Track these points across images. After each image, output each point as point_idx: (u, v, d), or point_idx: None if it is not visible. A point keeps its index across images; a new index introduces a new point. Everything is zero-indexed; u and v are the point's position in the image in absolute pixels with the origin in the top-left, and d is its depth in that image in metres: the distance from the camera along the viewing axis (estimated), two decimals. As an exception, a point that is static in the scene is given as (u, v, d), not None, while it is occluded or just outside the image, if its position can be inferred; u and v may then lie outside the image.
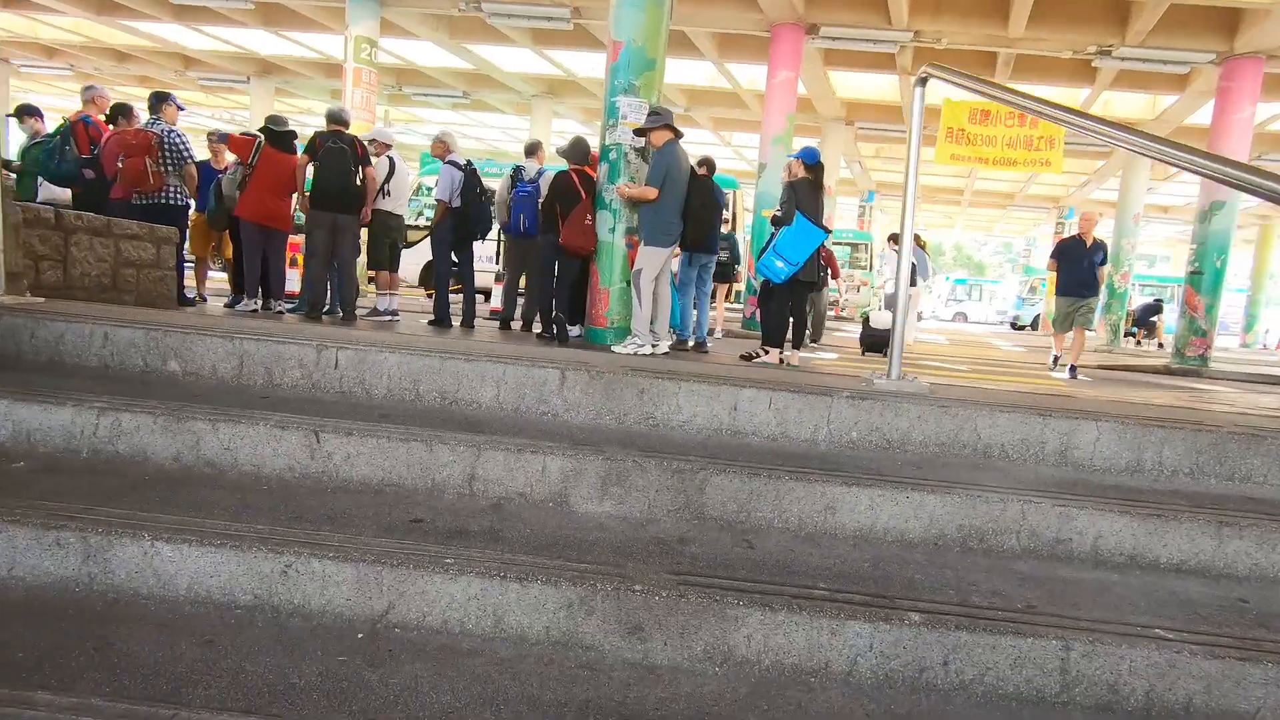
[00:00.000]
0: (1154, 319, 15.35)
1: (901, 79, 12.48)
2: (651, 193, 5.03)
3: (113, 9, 12.55)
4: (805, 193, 5.66)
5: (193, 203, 6.92)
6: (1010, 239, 39.05)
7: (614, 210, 5.62)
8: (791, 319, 5.90)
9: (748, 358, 6.41)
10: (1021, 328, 27.67)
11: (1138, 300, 17.19)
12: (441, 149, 6.49)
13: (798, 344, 5.96)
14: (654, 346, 5.29)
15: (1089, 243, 8.01)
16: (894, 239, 12.39)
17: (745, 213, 13.35)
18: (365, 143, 6.61)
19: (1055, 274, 8.30)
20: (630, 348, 5.08)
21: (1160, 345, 15.34)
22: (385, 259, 6.52)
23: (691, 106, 15.45)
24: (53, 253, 3.86)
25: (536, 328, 6.26)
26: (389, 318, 6.59)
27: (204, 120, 22.25)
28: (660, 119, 5.08)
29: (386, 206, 6.40)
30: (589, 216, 5.62)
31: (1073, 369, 7.90)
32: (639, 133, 5.29)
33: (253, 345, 2.53)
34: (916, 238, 12.40)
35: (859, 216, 23.53)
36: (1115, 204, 23.32)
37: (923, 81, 2.73)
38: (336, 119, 6.04)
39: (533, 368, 2.57)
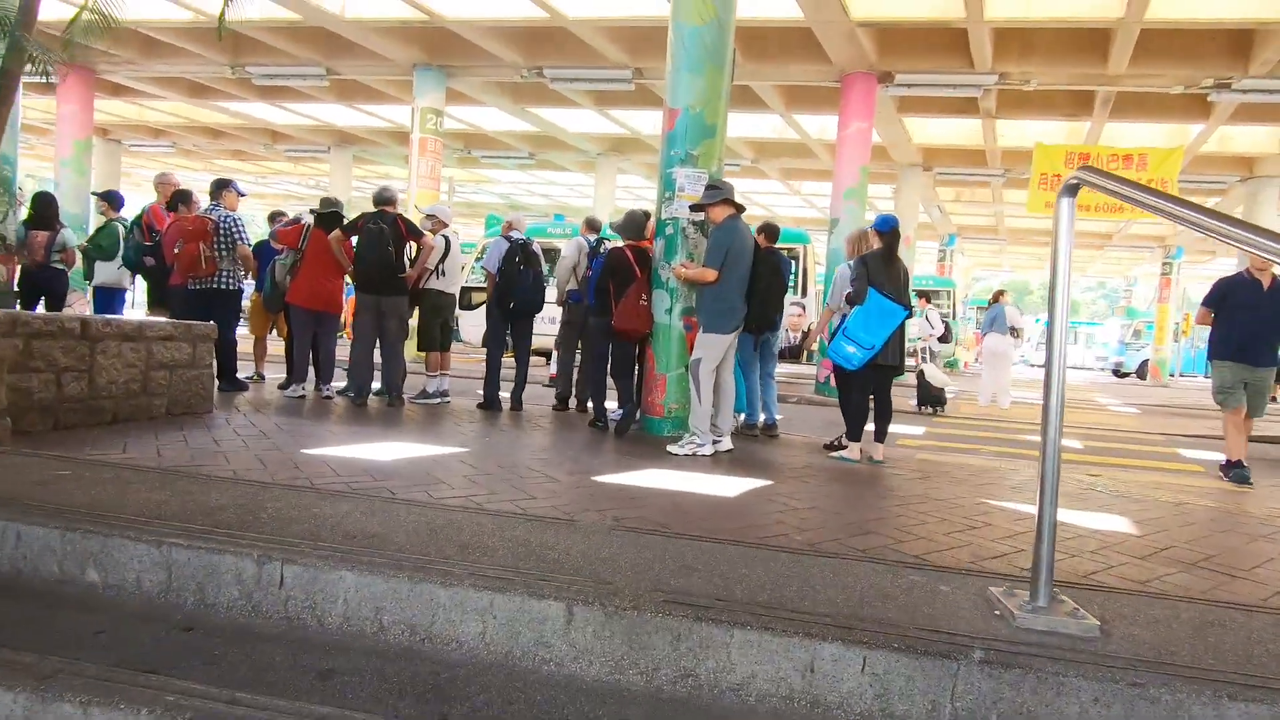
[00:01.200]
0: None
1: (984, 122, 11.68)
2: (710, 274, 4.52)
3: (206, 93, 13.36)
4: (878, 266, 5.01)
5: (251, 283, 6.92)
6: (1107, 279, 36.42)
7: (671, 289, 5.15)
8: (874, 408, 5.20)
9: (831, 447, 5.71)
10: (1125, 375, 25.46)
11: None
12: (506, 228, 6.26)
13: (881, 436, 5.23)
14: (716, 444, 4.71)
15: (1267, 284, 5.27)
16: (999, 295, 11.01)
17: (816, 267, 12.68)
18: (425, 216, 6.45)
19: (1213, 326, 5.58)
20: (688, 448, 4.51)
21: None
22: (435, 339, 6.25)
23: (758, 159, 15.05)
24: (77, 363, 3.68)
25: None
26: (439, 399, 6.29)
27: (292, 186, 23.56)
28: (719, 193, 4.60)
29: (439, 285, 6.16)
30: (644, 296, 5.16)
31: (1232, 466, 5.47)
32: (695, 208, 4.82)
33: (183, 554, 2.04)
34: (1000, 294, 11.33)
35: (939, 261, 22.35)
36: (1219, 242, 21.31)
37: (1072, 190, 2.09)
38: (380, 199, 5.87)
39: (529, 598, 1.87)
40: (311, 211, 6.28)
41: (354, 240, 5.84)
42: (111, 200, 7.12)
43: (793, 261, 12.71)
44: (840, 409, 5.27)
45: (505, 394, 6.19)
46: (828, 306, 5.82)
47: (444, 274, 6.14)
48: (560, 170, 18.07)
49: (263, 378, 7.10)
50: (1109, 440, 8.00)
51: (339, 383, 6.37)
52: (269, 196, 26.50)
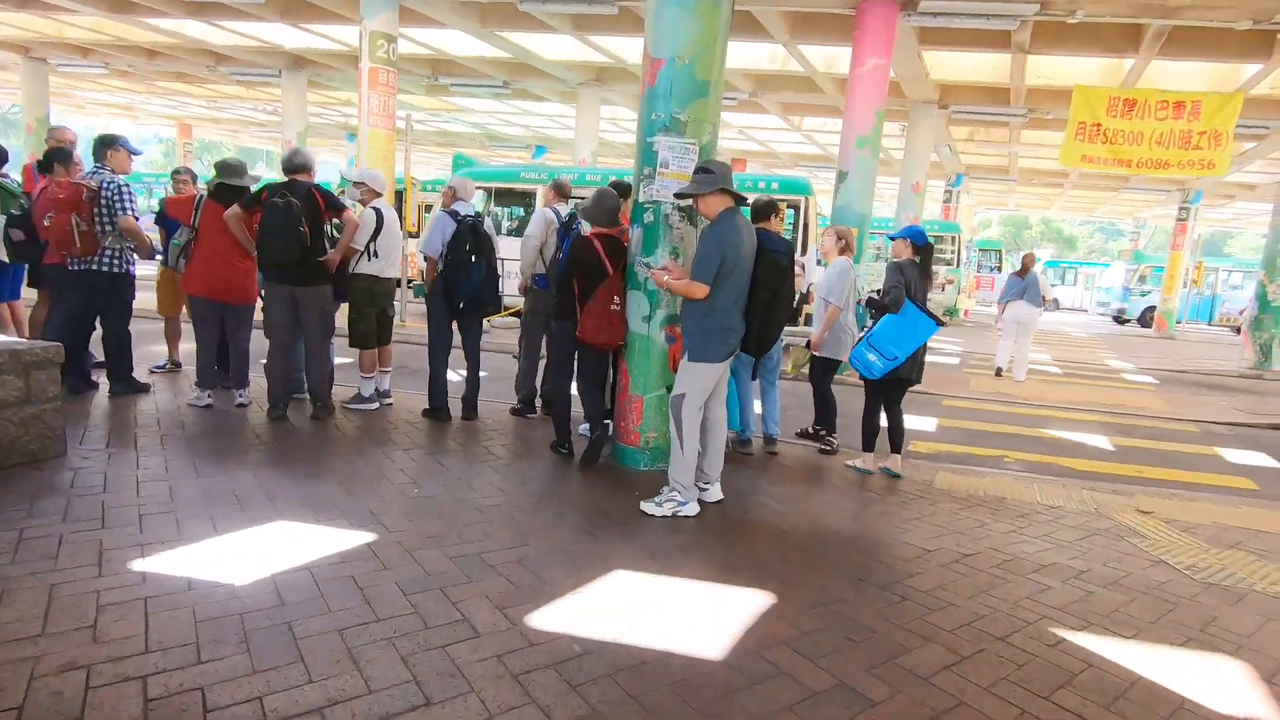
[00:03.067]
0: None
1: (1015, 58, 10.30)
2: (699, 290, 3.49)
3: (127, 7, 11.63)
4: (914, 276, 4.16)
5: (158, 259, 5.80)
6: (1116, 220, 35.17)
7: (650, 292, 4.12)
8: (887, 420, 4.41)
9: (806, 436, 5.27)
10: (1125, 321, 24.70)
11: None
12: (449, 197, 5.10)
13: (898, 447, 4.42)
14: (703, 491, 3.81)
15: None
16: (1028, 260, 9.93)
17: (818, 221, 11.50)
18: (353, 184, 5.30)
19: None
20: (668, 506, 3.61)
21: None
22: (370, 333, 5.21)
23: (757, 92, 13.56)
24: None
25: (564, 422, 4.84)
26: (375, 404, 5.32)
27: (246, 112, 21.65)
28: (711, 180, 3.51)
29: (372, 269, 5.08)
30: (616, 299, 4.14)
31: None
32: (681, 197, 3.74)
33: None
34: (1029, 257, 10.25)
35: (944, 203, 21.05)
36: (1251, 186, 20.09)
37: None
38: (291, 165, 4.71)
39: None
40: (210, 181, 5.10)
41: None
42: None
43: (792, 212, 11.53)
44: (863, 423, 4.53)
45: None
46: (832, 304, 4.88)
47: (377, 255, 5.05)
48: (539, 100, 16.43)
49: (178, 366, 6.08)
50: (1136, 434, 7.20)
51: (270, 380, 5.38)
52: (225, 122, 24.52)
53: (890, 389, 4.56)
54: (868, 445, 4.67)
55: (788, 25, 9.94)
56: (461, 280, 4.81)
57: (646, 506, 3.63)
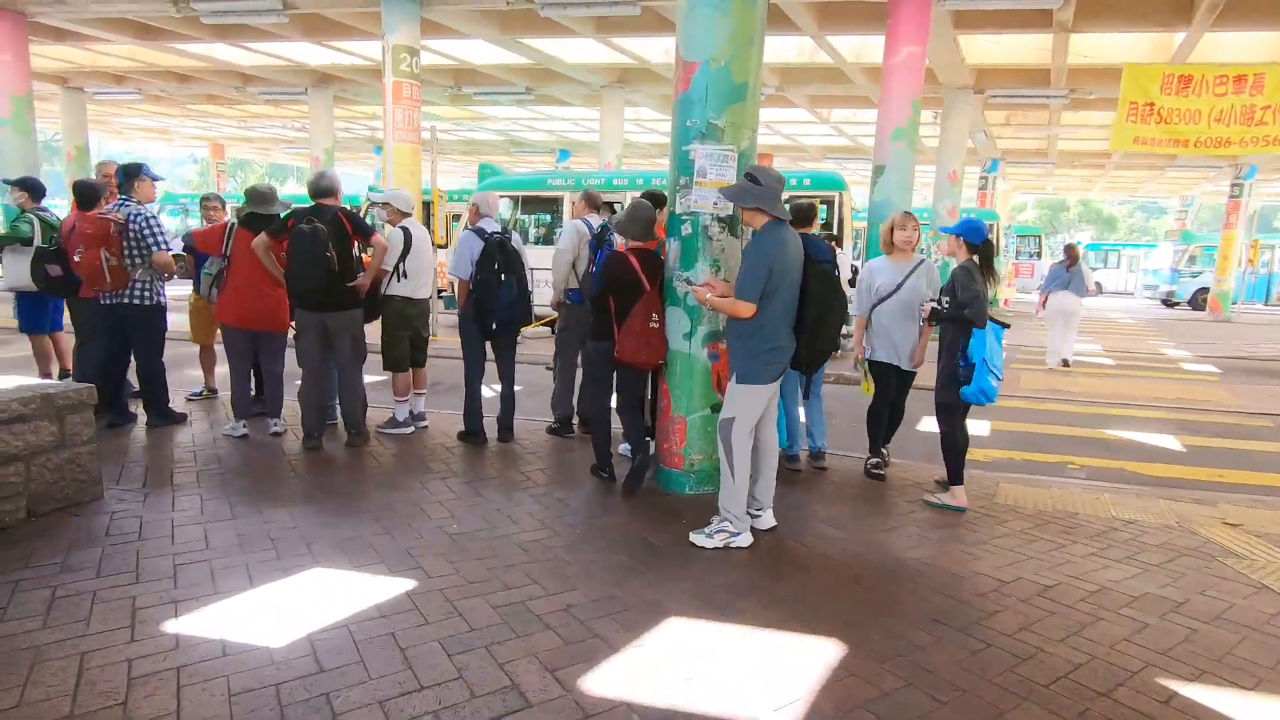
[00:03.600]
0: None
1: (1056, 37, 9.84)
2: (746, 310, 3.28)
3: (155, 34, 11.81)
4: (983, 275, 3.84)
5: (189, 290, 5.78)
6: (1160, 198, 33.83)
7: (690, 308, 3.92)
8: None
9: (870, 474, 4.68)
10: (1175, 304, 23.70)
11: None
12: (473, 214, 4.97)
13: (958, 476, 4.12)
14: (755, 518, 3.60)
15: None
16: (1073, 252, 9.71)
17: (852, 215, 11.14)
18: (379, 205, 5.19)
19: None
20: (719, 538, 3.40)
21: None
22: (404, 356, 5.10)
23: (784, 86, 13.24)
24: None
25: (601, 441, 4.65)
26: (410, 428, 5.21)
27: (277, 130, 21.96)
28: (756, 194, 3.29)
29: (403, 290, 4.96)
30: (655, 316, 3.94)
31: None
32: (727, 194, 3.52)
33: None
34: (1071, 251, 9.87)
35: (980, 189, 20.39)
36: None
37: None
38: (318, 189, 4.61)
39: None
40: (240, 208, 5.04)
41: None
42: (31, 189, 5.79)
43: (825, 208, 11.19)
44: (944, 451, 4.16)
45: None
46: (859, 315, 4.61)
47: (407, 275, 4.93)
48: (562, 105, 16.32)
49: (214, 393, 6.07)
50: (1206, 432, 6.76)
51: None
52: (256, 141, 24.94)
53: (961, 409, 4.08)
54: (957, 476, 4.09)
55: (816, 17, 9.64)
56: (492, 300, 4.66)
57: (696, 538, 3.43)
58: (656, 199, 4.27)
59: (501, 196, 12.47)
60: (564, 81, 14.03)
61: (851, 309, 4.69)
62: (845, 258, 10.53)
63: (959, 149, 13.21)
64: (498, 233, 4.75)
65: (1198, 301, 22.80)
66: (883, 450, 4.75)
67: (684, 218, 3.89)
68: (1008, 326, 3.92)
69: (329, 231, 4.50)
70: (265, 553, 3.05)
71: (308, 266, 4.46)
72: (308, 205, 4.70)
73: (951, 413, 4.05)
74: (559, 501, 3.96)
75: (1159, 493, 4.76)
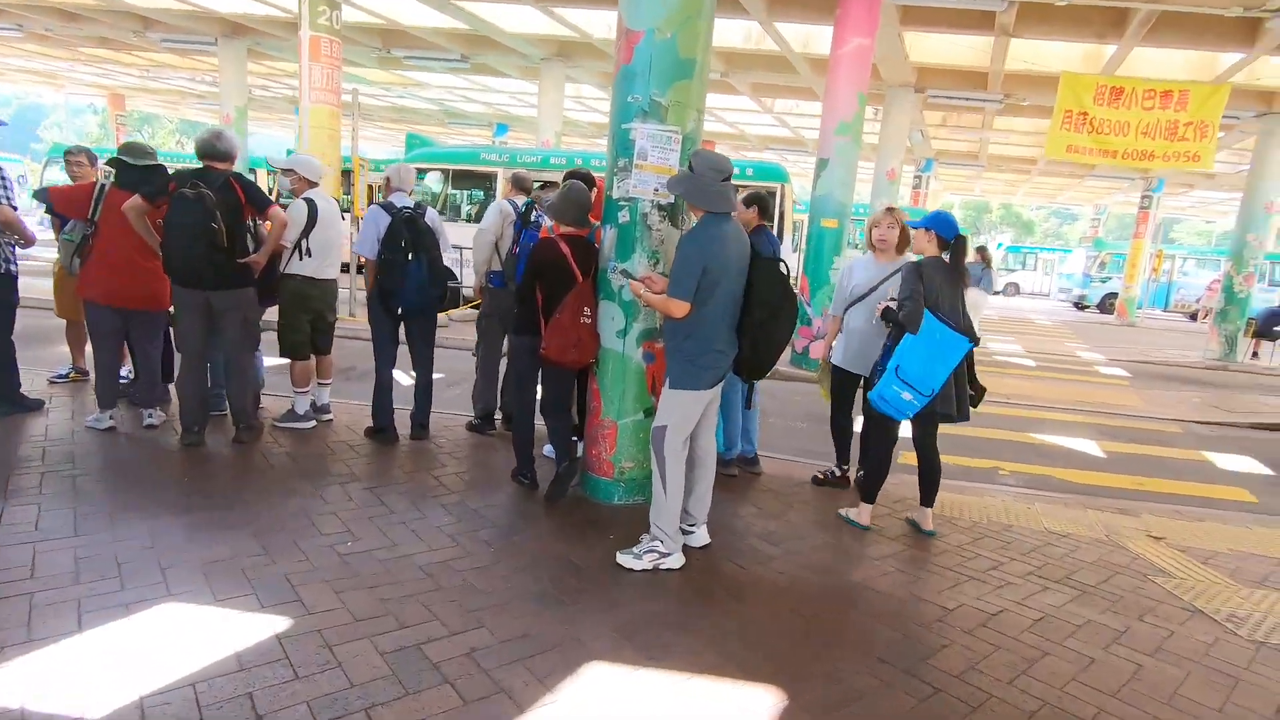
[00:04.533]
0: (1279, 328, 12.82)
1: (997, 40, 9.92)
2: (679, 308, 2.97)
3: (35, -39, 10.46)
4: (938, 279, 3.57)
5: (55, 254, 5.02)
6: (1074, 205, 35.62)
7: (625, 303, 3.58)
8: (919, 465, 3.88)
9: (820, 482, 4.55)
10: (1085, 308, 25.03)
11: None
12: (385, 188, 4.46)
13: (930, 499, 3.92)
14: (686, 537, 3.31)
15: None
16: (983, 254, 10.25)
17: (793, 209, 11.03)
18: (282, 171, 4.59)
19: None
20: (648, 559, 3.10)
21: (1285, 359, 12.84)
22: (304, 343, 4.56)
23: (729, 72, 12.97)
24: None
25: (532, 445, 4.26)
26: (310, 423, 4.68)
27: (184, 83, 20.20)
28: (700, 185, 2.97)
29: (305, 270, 4.41)
30: (587, 310, 3.58)
31: None
32: (670, 186, 3.18)
33: None
34: (982, 251, 10.29)
35: (914, 188, 20.82)
36: (1211, 175, 20.24)
37: None
38: (207, 150, 4.01)
39: None
40: (110, 161, 4.35)
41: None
42: None
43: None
44: (862, 462, 3.95)
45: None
46: (833, 315, 4.36)
47: (310, 253, 4.38)
48: (500, 76, 15.56)
49: (84, 374, 5.33)
50: (1123, 437, 6.95)
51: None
52: (161, 93, 22.91)
53: (917, 425, 3.75)
54: (870, 496, 3.87)
55: (765, 2, 9.36)
56: (399, 282, 4.18)
57: (624, 559, 3.11)
58: (585, 179, 3.89)
59: (430, 169, 11.76)
60: (502, 51, 13.33)
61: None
62: (784, 251, 10.45)
63: (898, 147, 13.29)
64: (408, 208, 4.26)
65: (1106, 305, 24.12)
66: (845, 468, 4.53)
67: (622, 203, 3.53)
68: (974, 342, 3.50)
69: (217, 199, 3.92)
70: (106, 583, 2.55)
71: (189, 238, 3.87)
72: (195, 168, 4.09)
73: (880, 425, 3.77)
74: (474, 512, 3.57)
75: (1086, 502, 4.78)
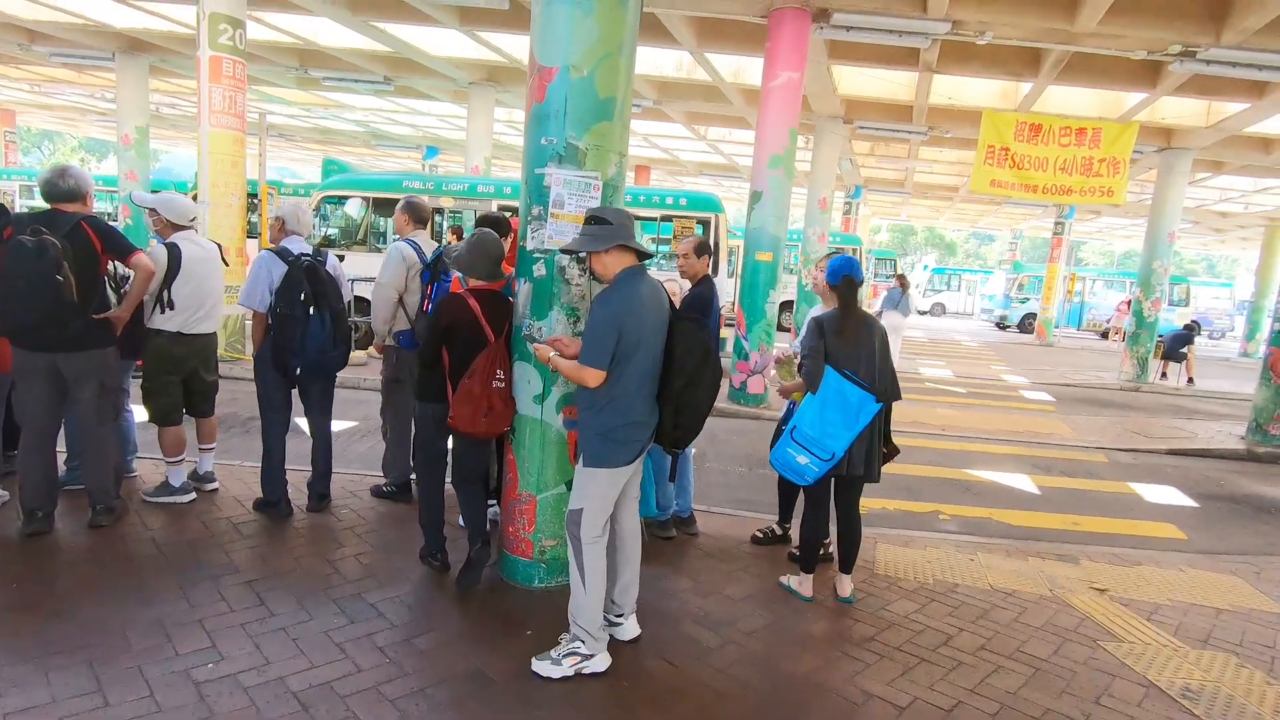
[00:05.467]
0: (1184, 349, 13.51)
1: (921, 76, 10.14)
2: (591, 377, 2.64)
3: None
4: (836, 328, 3.37)
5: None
6: (996, 230, 37.35)
7: (543, 365, 3.22)
8: (837, 528, 3.62)
9: (759, 540, 4.29)
10: (1006, 327, 26.11)
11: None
12: (276, 230, 3.97)
13: (849, 564, 3.66)
14: (613, 629, 2.95)
15: None
16: (902, 280, 10.85)
17: (730, 241, 10.93)
18: (146, 211, 4.04)
19: None
20: (569, 663, 2.72)
21: (1190, 380, 13.54)
22: (173, 407, 3.99)
23: (661, 100, 12.89)
24: None
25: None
26: (187, 496, 4.10)
27: (81, 98, 18.83)
28: (609, 234, 2.67)
29: (169, 325, 3.86)
30: (500, 374, 3.21)
31: None
32: (569, 252, 2.86)
33: None
34: (901, 278, 10.68)
35: (844, 214, 21.29)
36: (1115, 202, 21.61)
37: None
38: (54, 192, 3.47)
39: None
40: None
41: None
42: None
43: (700, 228, 10.90)
44: (801, 527, 3.67)
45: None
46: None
47: (173, 305, 3.83)
48: (427, 98, 15.05)
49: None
50: (1054, 469, 7.00)
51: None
52: (57, 109, 21.33)
53: (838, 490, 3.51)
54: (808, 564, 3.59)
55: (695, 32, 9.28)
56: (296, 340, 3.71)
57: (541, 666, 2.72)
58: (499, 226, 3.54)
59: (349, 196, 11.15)
60: (428, 74, 12.87)
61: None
62: (721, 281, 10.28)
63: (829, 176, 13.47)
64: (307, 255, 3.80)
65: (1025, 325, 25.22)
66: (786, 526, 4.28)
67: (537, 255, 3.19)
68: (890, 399, 3.32)
69: (65, 246, 3.37)
70: None
71: (29, 292, 3.30)
72: (40, 211, 3.53)
73: (811, 493, 3.53)
74: (371, 609, 3.11)
75: (1026, 549, 4.67)
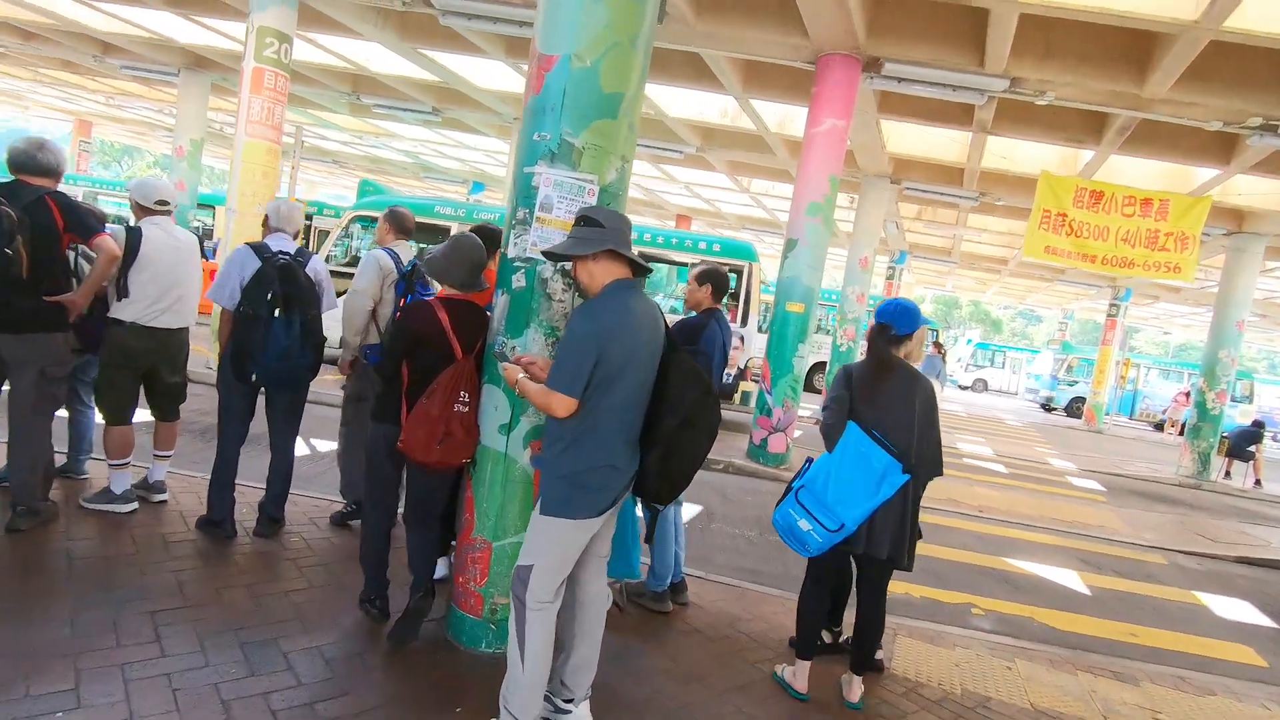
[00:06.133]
0: (1252, 448, 12.44)
1: (974, 137, 9.74)
2: (560, 405, 2.19)
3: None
4: (870, 379, 2.87)
5: None
6: (1042, 308, 36.27)
7: (510, 390, 2.78)
8: (856, 618, 3.02)
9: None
10: (1052, 409, 24.89)
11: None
12: (265, 228, 3.68)
13: (861, 664, 3.05)
14: (555, 716, 2.41)
15: None
16: (938, 347, 10.26)
17: (760, 289, 10.50)
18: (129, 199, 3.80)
19: None
20: (492, 761, 2.19)
21: (1258, 482, 12.42)
22: (121, 404, 3.66)
23: (705, 148, 12.73)
24: None
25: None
26: (128, 506, 3.72)
27: (150, 113, 19.66)
28: (597, 238, 2.25)
29: (127, 314, 3.55)
30: (465, 395, 2.78)
31: None
32: (552, 257, 2.45)
33: None
34: (937, 345, 10.03)
35: (887, 279, 20.74)
36: (1176, 290, 20.59)
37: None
38: (21, 161, 3.23)
39: None
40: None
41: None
42: None
43: (734, 277, 10.52)
44: (799, 601, 3.11)
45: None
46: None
47: (129, 293, 3.51)
48: (474, 132, 15.22)
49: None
50: (1106, 567, 6.20)
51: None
52: (128, 123, 22.36)
53: (862, 568, 2.98)
54: (802, 649, 3.03)
55: (741, 76, 9.08)
56: (257, 342, 3.35)
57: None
58: (489, 236, 3.17)
59: (375, 217, 11.11)
60: (475, 107, 12.98)
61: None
62: (749, 332, 9.81)
63: (872, 236, 13.05)
64: (285, 253, 3.48)
65: (1073, 409, 24.00)
66: (836, 629, 3.57)
67: (518, 264, 2.79)
68: (909, 474, 2.72)
69: (22, 219, 3.11)
70: None
71: (-30, 266, 3.03)
72: (3, 182, 3.30)
73: (813, 566, 3.00)
74: (283, 658, 2.64)
75: (1075, 659, 3.98)
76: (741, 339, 9.73)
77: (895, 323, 2.90)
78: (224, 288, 3.44)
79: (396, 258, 3.66)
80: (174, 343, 3.79)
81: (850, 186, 13.10)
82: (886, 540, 2.80)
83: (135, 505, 3.76)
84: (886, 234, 18.12)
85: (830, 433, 2.86)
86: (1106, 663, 4.04)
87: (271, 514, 3.74)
